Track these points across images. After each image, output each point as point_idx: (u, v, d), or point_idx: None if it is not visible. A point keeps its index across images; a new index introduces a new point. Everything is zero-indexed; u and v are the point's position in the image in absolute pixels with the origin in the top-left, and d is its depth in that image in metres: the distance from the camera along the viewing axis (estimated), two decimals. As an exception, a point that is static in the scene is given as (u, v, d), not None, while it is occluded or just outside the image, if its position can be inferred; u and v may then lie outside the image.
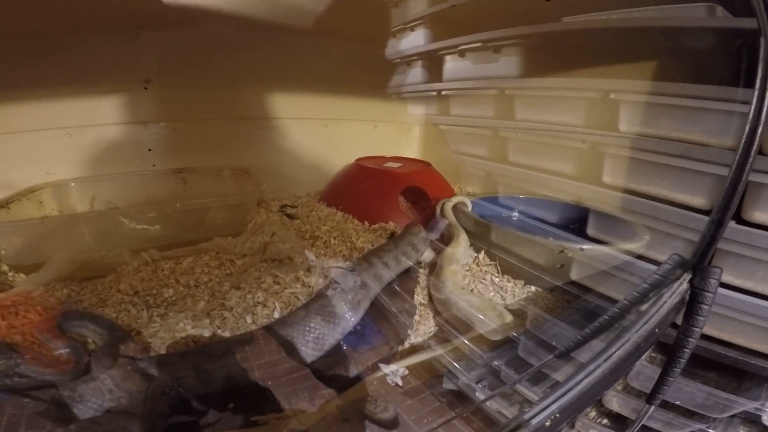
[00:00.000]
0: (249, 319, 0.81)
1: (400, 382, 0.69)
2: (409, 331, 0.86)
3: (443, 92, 1.76)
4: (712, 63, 0.97)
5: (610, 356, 0.54)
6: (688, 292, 0.75)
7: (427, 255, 1.08)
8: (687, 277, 0.69)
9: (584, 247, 1.01)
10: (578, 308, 0.96)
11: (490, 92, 1.59)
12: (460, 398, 0.72)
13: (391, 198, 1.33)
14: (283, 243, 1.03)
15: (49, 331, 0.72)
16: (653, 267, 0.88)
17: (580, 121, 1.32)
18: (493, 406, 0.71)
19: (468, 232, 1.15)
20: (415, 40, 1.70)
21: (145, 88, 1.30)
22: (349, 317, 0.77)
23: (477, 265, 1.08)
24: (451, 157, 1.77)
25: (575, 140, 1.33)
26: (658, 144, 1.02)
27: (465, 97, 1.70)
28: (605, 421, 0.97)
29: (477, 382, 0.73)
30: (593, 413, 1.01)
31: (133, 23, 1.19)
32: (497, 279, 1.04)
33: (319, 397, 0.67)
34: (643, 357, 0.99)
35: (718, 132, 0.91)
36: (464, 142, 1.71)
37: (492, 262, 1.09)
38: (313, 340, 0.72)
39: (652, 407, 0.87)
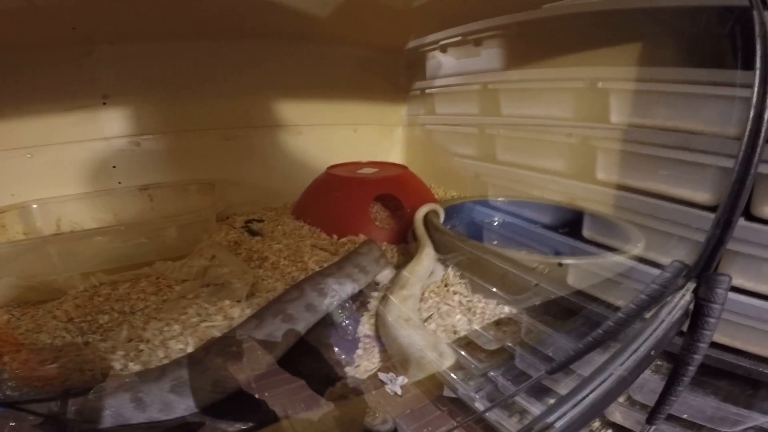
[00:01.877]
0: (161, 353, 0.74)
1: (399, 391, 0.67)
2: (348, 369, 0.76)
3: (426, 90, 1.64)
4: (703, 46, 0.83)
5: (601, 383, 0.48)
6: (692, 303, 0.63)
7: (387, 275, 0.96)
8: (690, 286, 0.60)
9: (564, 261, 0.86)
10: (575, 318, 0.84)
11: (474, 88, 1.46)
12: (461, 407, 0.69)
13: (360, 208, 1.22)
14: (222, 267, 0.95)
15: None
16: (656, 271, 0.75)
17: (569, 113, 1.19)
18: (492, 416, 0.66)
19: (438, 246, 1.02)
20: None
21: (104, 104, 1.27)
22: (264, 358, 0.67)
23: (444, 284, 0.95)
24: (435, 159, 1.64)
25: (564, 135, 1.20)
26: (654, 135, 0.91)
27: (449, 95, 1.58)
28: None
29: (476, 392, 0.69)
30: (597, 423, 0.93)
31: (80, 38, 1.14)
32: (466, 299, 0.91)
33: (316, 408, 0.66)
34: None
35: (719, 120, 0.80)
36: (450, 141, 1.58)
37: (462, 281, 0.96)
38: (212, 384, 0.63)
39: (652, 428, 0.76)
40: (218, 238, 1.19)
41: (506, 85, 1.32)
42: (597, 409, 0.50)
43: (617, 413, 0.88)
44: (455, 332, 0.81)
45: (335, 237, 1.21)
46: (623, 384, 0.52)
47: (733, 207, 0.54)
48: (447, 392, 0.71)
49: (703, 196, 0.84)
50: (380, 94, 1.64)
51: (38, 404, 0.63)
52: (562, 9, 1.08)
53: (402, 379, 0.69)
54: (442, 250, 1.01)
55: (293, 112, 1.51)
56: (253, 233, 1.24)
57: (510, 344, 0.77)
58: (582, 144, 1.16)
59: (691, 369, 0.61)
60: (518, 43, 1.26)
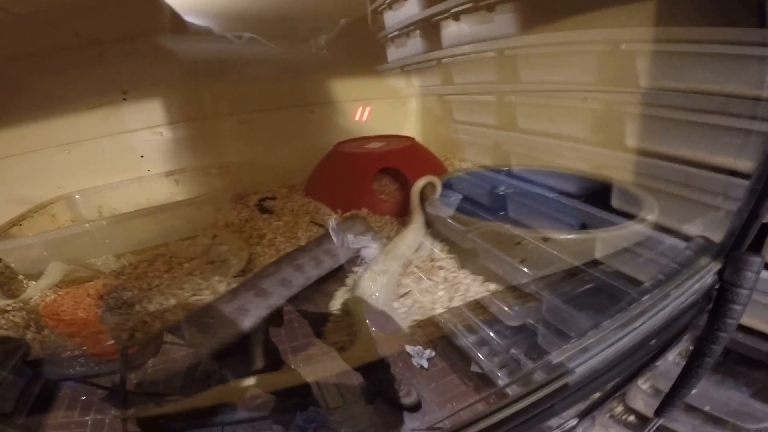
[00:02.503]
0: (158, 324, 0.81)
1: (426, 365, 0.67)
2: (314, 341, 0.78)
3: (443, 60, 1.56)
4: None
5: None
6: (717, 287, 0.57)
7: (373, 249, 0.96)
8: (714, 267, 0.56)
9: (551, 236, 0.80)
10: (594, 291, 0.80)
11: (489, 55, 1.37)
12: (487, 382, 0.69)
13: (363, 182, 1.22)
14: (222, 245, 1.00)
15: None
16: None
17: (592, 78, 1.11)
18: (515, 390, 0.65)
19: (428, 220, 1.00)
20: (408, 9, 1.52)
21: (124, 99, 1.36)
22: (232, 325, 0.71)
23: (431, 259, 0.94)
24: (452, 130, 1.58)
25: (588, 101, 1.12)
26: (687, 100, 0.83)
27: (464, 64, 1.50)
28: (631, 417, 0.88)
29: (500, 369, 0.69)
30: (620, 408, 0.91)
31: (87, 41, 1.23)
32: (452, 275, 0.89)
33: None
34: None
35: (759, 82, 0.71)
36: (466, 111, 1.51)
37: (449, 256, 0.94)
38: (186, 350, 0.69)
39: (660, 420, 0.73)
40: (231, 217, 1.26)
41: (523, 50, 1.24)
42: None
43: (639, 400, 0.85)
44: (433, 309, 0.80)
45: (339, 212, 1.22)
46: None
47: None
48: (474, 367, 0.71)
49: (745, 164, 0.75)
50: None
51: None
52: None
53: (429, 353, 0.69)
54: (432, 224, 0.99)
55: (303, 91, 1.52)
56: (264, 210, 1.29)
57: (532, 321, 0.75)
58: (608, 109, 1.08)
59: (708, 360, 0.56)
60: (532, 5, 1.17)
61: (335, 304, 0.82)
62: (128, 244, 1.17)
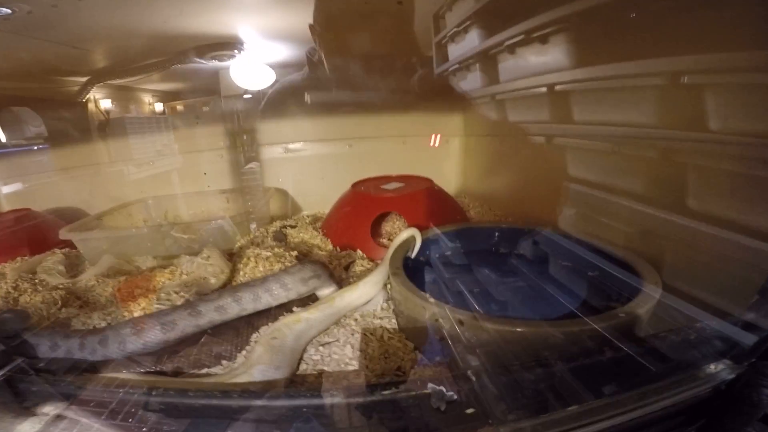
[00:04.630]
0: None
1: (443, 407, 0.57)
2: (224, 362, 0.78)
3: (496, 97, 1.47)
4: None
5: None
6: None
7: (328, 293, 0.94)
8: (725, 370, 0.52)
9: (462, 317, 0.68)
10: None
11: (540, 91, 1.25)
12: None
13: (361, 224, 1.21)
14: (211, 265, 1.09)
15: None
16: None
17: (649, 119, 0.92)
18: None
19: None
20: (461, 46, 1.48)
21: (197, 123, 1.60)
22: (153, 336, 0.78)
23: (374, 315, 0.88)
24: (495, 174, 1.46)
25: (643, 147, 0.97)
26: None
27: (514, 101, 1.38)
28: None
29: None
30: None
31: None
32: (389, 336, 0.82)
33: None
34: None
35: None
36: (512, 154, 1.38)
37: (392, 316, 0.86)
38: (119, 345, 0.77)
39: None
40: (249, 237, 1.36)
41: (573, 85, 1.11)
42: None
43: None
44: (347, 364, 0.75)
45: (338, 249, 1.23)
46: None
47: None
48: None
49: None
50: (431, 103, 1.56)
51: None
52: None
53: (450, 395, 0.58)
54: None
55: (343, 126, 1.58)
56: (278, 238, 1.37)
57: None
58: (663, 159, 0.91)
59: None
60: (584, 35, 1.05)
61: (255, 336, 0.83)
62: (159, 250, 1.35)
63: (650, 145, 0.94)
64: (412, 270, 0.95)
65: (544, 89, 1.22)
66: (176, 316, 0.82)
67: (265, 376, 0.66)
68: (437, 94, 1.55)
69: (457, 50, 1.38)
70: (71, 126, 1.67)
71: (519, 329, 0.64)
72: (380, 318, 0.87)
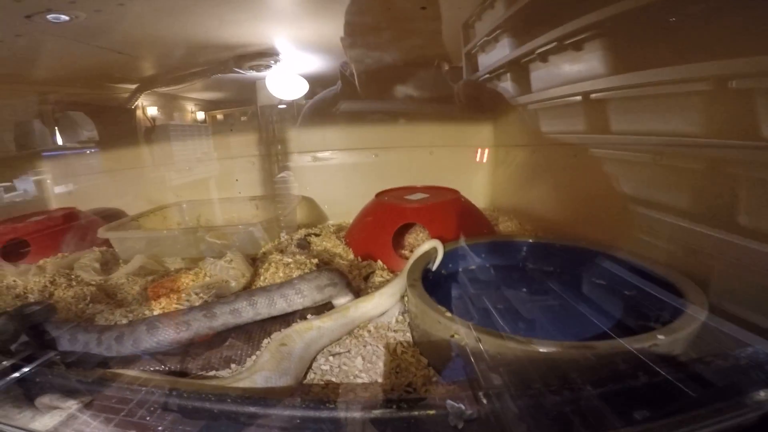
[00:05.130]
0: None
1: (460, 426, 0.55)
2: (233, 365, 0.78)
3: (529, 106, 1.42)
4: None
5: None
6: None
7: (341, 303, 0.92)
8: None
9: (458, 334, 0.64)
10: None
11: (575, 99, 1.20)
12: None
13: (382, 234, 1.18)
14: (233, 268, 1.11)
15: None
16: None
17: (694, 127, 0.87)
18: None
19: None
20: (492, 55, 1.45)
21: (231, 130, 1.65)
22: (167, 335, 0.79)
23: (388, 328, 0.85)
24: (526, 186, 1.40)
25: (686, 158, 0.92)
26: None
27: (546, 110, 1.33)
28: None
29: None
30: None
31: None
32: (401, 350, 0.78)
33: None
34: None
35: None
36: (545, 165, 1.32)
37: (407, 329, 0.83)
38: (133, 343, 0.78)
39: None
40: (273, 243, 1.37)
41: (611, 93, 1.06)
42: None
43: None
44: (355, 377, 0.72)
45: (359, 259, 1.21)
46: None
47: None
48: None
49: None
50: (460, 113, 1.52)
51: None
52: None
53: (470, 413, 0.56)
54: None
55: (370, 136, 1.58)
56: (301, 245, 1.37)
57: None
58: (710, 170, 0.85)
59: None
60: (620, 41, 1.00)
61: (265, 341, 0.83)
62: (190, 252, 1.38)
63: (695, 155, 0.87)
64: (434, 283, 0.92)
65: (578, 98, 1.17)
66: (191, 316, 0.82)
67: (269, 382, 0.65)
68: (479, 102, 1.52)
69: (487, 59, 1.35)
70: (120, 131, 1.77)
71: (544, 350, 0.59)
72: (395, 331, 0.83)
